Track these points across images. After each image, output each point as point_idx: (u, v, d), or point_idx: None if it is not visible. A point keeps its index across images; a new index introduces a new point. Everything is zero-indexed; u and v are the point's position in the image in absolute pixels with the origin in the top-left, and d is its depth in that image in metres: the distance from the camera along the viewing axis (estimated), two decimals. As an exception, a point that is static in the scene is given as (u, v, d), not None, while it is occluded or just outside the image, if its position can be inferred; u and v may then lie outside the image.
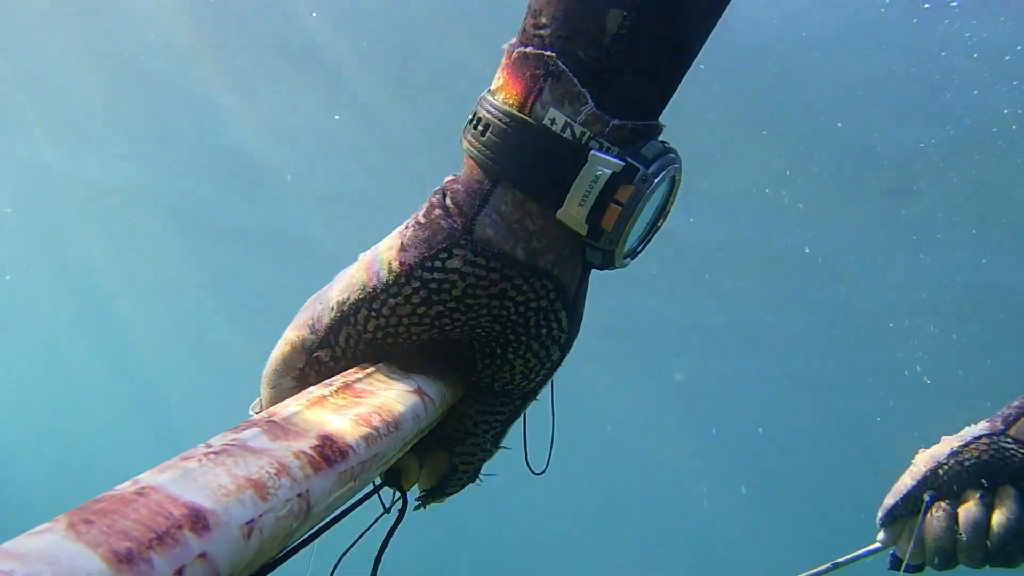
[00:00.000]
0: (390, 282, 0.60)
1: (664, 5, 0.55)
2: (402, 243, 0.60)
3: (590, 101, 0.55)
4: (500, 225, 0.58)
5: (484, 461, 0.73)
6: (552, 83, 0.56)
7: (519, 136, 0.57)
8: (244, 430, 0.43)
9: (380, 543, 0.64)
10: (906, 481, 1.17)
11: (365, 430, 0.49)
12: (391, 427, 0.52)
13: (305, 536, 0.45)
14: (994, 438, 1.11)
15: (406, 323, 0.61)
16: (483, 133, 0.58)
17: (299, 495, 0.41)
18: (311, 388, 0.54)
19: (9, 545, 0.29)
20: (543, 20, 0.57)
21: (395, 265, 0.60)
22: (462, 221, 0.59)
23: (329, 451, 0.45)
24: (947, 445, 1.15)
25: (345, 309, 0.62)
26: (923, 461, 1.16)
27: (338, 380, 0.56)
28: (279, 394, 0.64)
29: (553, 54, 0.56)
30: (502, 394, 0.67)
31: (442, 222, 0.59)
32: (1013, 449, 1.10)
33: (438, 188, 0.62)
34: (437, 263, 0.59)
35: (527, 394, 0.68)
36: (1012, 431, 1.12)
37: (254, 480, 0.38)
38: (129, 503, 0.33)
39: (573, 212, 0.57)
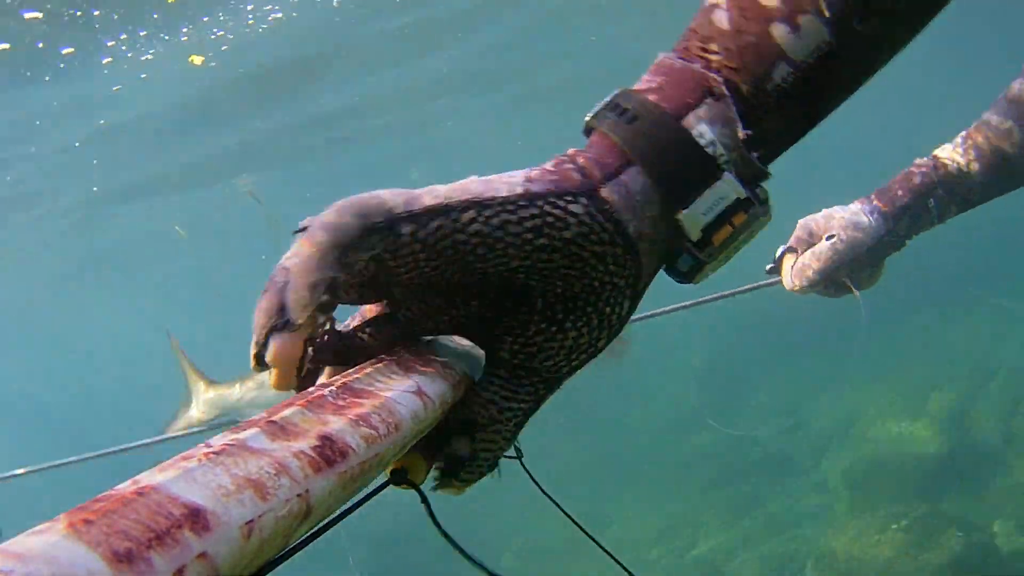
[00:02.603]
0: (511, 198, 0.59)
1: (824, 77, 0.63)
2: (528, 176, 0.61)
3: (741, 130, 0.62)
4: (625, 197, 0.62)
5: (503, 452, 0.71)
6: (712, 103, 0.62)
7: (668, 136, 0.61)
8: (244, 430, 0.43)
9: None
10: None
11: (365, 430, 0.49)
12: (391, 427, 0.52)
13: (306, 536, 0.45)
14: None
15: (504, 243, 0.59)
16: (630, 121, 0.62)
17: (299, 495, 0.41)
18: (311, 388, 0.54)
19: (9, 544, 0.29)
20: (713, 48, 0.63)
21: (519, 189, 0.60)
22: (593, 180, 0.61)
23: (329, 451, 0.45)
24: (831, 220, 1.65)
25: (452, 202, 0.59)
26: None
27: (338, 380, 0.56)
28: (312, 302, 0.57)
29: (720, 79, 0.62)
30: (533, 373, 0.66)
31: (573, 174, 0.61)
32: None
33: (562, 155, 0.64)
34: (561, 202, 0.60)
35: (556, 380, 0.67)
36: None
37: (254, 480, 0.38)
38: (129, 503, 0.33)
39: (696, 218, 0.62)
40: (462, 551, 0.61)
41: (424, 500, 0.64)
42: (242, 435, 0.42)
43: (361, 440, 0.48)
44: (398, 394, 0.56)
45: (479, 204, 0.59)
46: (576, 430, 8.15)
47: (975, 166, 1.60)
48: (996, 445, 6.42)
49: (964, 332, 8.64)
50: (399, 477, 0.65)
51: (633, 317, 0.68)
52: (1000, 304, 8.68)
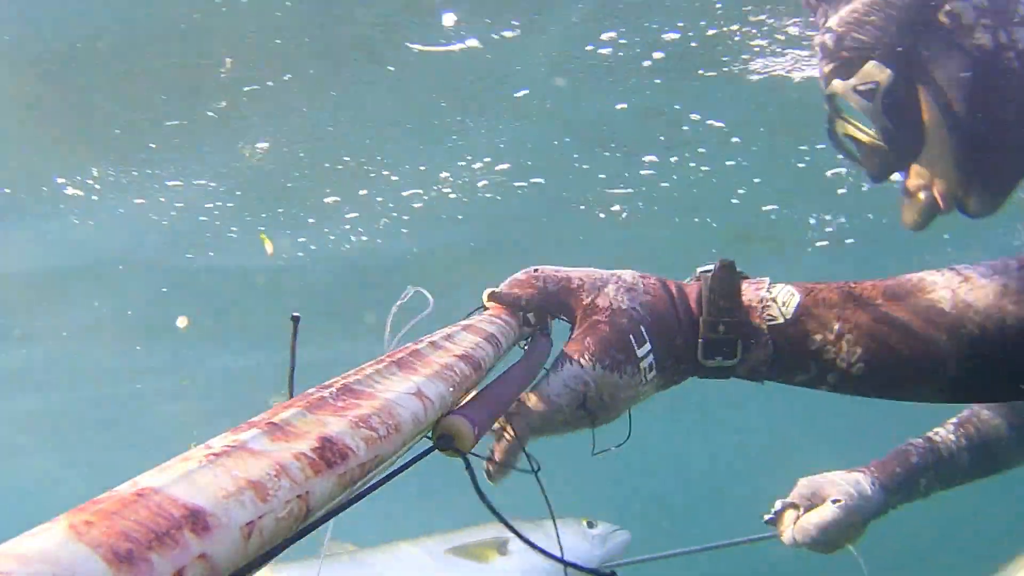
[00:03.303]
0: (650, 386, 1.02)
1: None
2: (659, 371, 1.00)
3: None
4: None
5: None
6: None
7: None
8: (244, 432, 0.43)
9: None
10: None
11: (365, 432, 0.49)
12: (391, 429, 0.52)
13: (305, 527, 0.45)
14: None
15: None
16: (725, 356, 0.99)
17: (299, 496, 0.41)
18: (311, 389, 0.54)
19: (10, 545, 0.29)
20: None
21: (651, 376, 1.00)
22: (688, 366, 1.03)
23: (329, 453, 0.45)
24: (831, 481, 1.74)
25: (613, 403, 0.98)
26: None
27: (338, 382, 0.56)
28: None
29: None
30: None
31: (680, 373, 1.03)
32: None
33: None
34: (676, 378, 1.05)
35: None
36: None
37: (254, 481, 0.38)
38: (129, 504, 0.33)
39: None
40: (502, 519, 0.67)
41: (468, 467, 0.64)
42: (243, 436, 0.42)
43: (361, 442, 0.48)
44: (398, 396, 0.56)
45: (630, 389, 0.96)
46: None
47: (965, 454, 1.79)
48: None
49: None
50: (445, 443, 0.63)
51: (629, 559, 0.74)
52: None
